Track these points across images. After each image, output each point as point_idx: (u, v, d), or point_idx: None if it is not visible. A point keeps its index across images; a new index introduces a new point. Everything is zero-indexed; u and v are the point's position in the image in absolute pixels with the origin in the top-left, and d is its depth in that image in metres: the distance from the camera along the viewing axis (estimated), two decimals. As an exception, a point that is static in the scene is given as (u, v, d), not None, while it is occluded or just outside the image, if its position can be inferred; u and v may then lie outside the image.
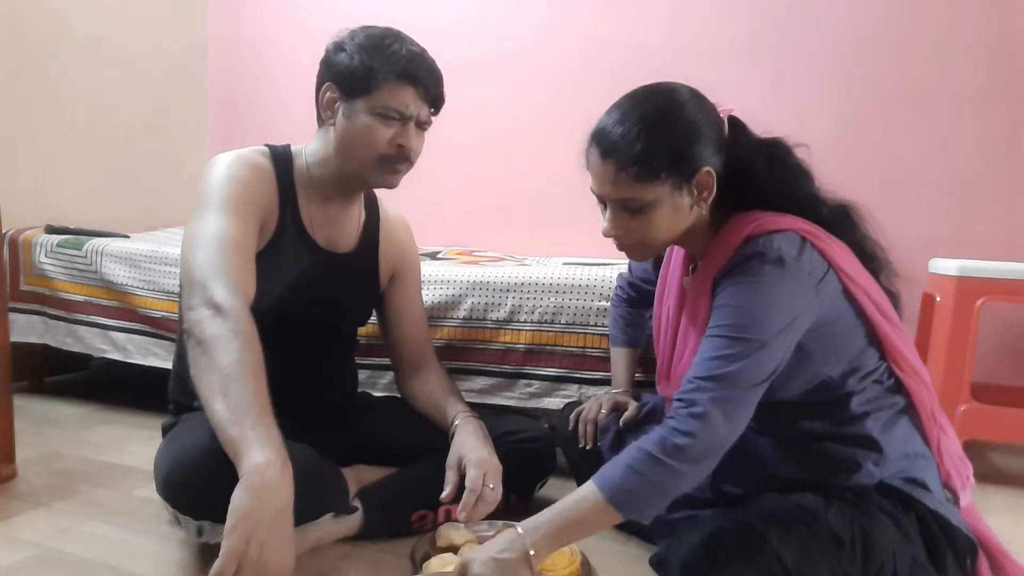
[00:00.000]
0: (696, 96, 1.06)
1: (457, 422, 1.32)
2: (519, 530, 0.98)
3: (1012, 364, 2.16)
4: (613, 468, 0.97)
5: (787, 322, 0.98)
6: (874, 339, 1.08)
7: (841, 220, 1.11)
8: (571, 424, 1.42)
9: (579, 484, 1.46)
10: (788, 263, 0.99)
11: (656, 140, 1.01)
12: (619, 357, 1.51)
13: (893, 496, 1.03)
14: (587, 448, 1.38)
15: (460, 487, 1.20)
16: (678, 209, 1.05)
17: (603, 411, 1.40)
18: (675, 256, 1.25)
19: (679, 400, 0.97)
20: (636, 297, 1.47)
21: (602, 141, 1.05)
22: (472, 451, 1.23)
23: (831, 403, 1.06)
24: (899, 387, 1.09)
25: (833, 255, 1.04)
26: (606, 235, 1.09)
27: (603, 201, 1.09)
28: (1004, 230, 2.15)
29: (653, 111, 1.03)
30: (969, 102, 2.16)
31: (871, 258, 1.12)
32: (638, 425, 1.37)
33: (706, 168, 1.03)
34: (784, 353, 0.99)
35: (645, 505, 0.96)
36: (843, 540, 0.97)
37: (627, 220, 1.06)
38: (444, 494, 1.21)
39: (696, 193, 1.05)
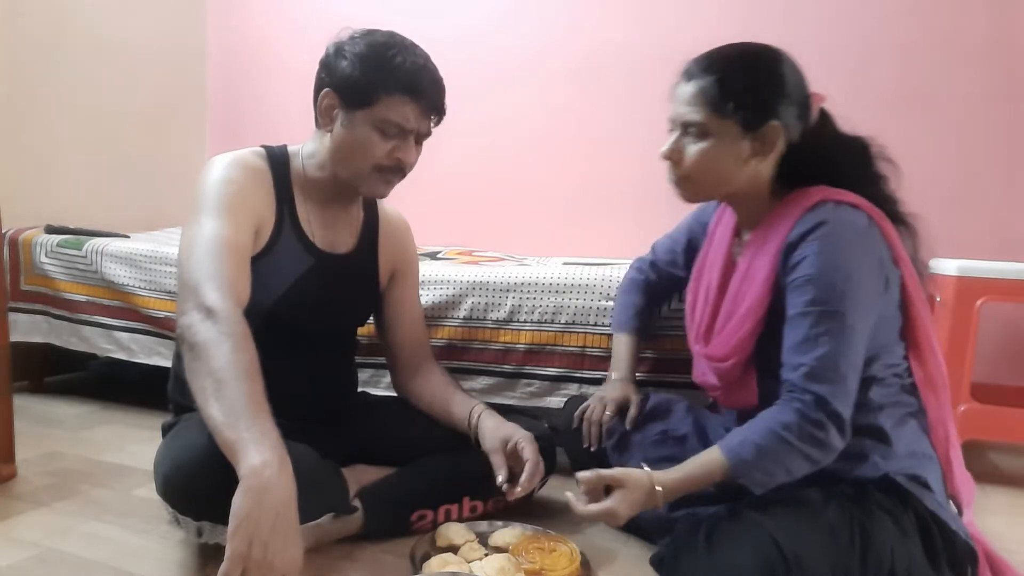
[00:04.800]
0: (795, 66, 1.09)
1: (480, 412, 1.34)
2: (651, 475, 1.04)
3: (1012, 364, 2.16)
4: (743, 446, 1.00)
5: (872, 290, 1.01)
6: (905, 334, 1.09)
7: (906, 228, 1.12)
8: (575, 423, 1.42)
9: None
10: (862, 230, 1.02)
11: (740, 73, 1.05)
12: (624, 342, 1.48)
13: (893, 492, 1.03)
14: (592, 449, 1.38)
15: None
16: (736, 154, 1.07)
17: (607, 413, 1.38)
18: (721, 229, 1.25)
19: (797, 386, 0.99)
20: (655, 280, 1.47)
21: (693, 67, 1.09)
22: (516, 431, 1.27)
23: None
24: (914, 390, 1.10)
25: (894, 242, 1.07)
26: (663, 157, 1.12)
27: (672, 127, 1.11)
28: (1004, 230, 2.15)
29: (749, 52, 1.08)
30: (969, 103, 2.16)
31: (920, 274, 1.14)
32: (643, 423, 1.37)
33: (776, 122, 1.05)
34: (870, 325, 1.02)
35: (767, 482, 1.00)
36: (841, 534, 0.97)
37: (686, 146, 1.08)
38: (500, 478, 1.23)
39: (759, 144, 1.06)
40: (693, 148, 1.07)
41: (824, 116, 1.11)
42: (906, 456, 1.06)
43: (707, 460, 1.03)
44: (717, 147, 1.06)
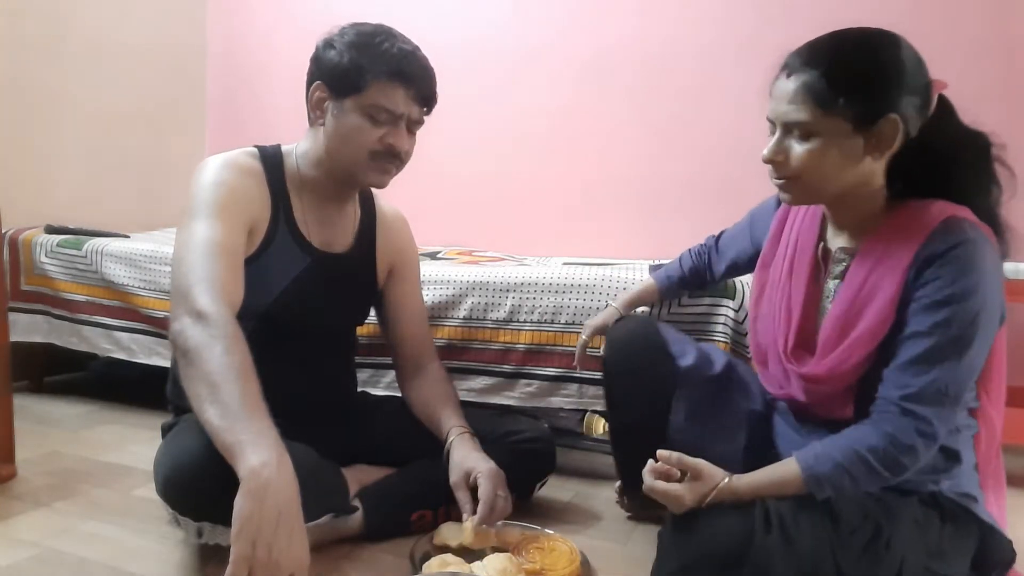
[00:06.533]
0: (913, 49, 0.98)
1: (452, 438, 1.31)
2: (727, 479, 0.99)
3: (1012, 364, 2.15)
4: (819, 461, 0.95)
5: (996, 318, 0.96)
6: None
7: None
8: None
9: (623, 481, 1.39)
10: (995, 257, 0.95)
11: (850, 64, 0.94)
12: (645, 284, 1.51)
13: (934, 506, 0.99)
14: (577, 369, 1.46)
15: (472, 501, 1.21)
16: (847, 153, 0.95)
17: (583, 338, 1.48)
18: (800, 233, 1.13)
19: (895, 405, 0.94)
20: (705, 267, 1.45)
21: (794, 60, 0.97)
22: (478, 463, 1.23)
23: None
24: (974, 412, 1.06)
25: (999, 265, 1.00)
26: (765, 161, 1.01)
27: (773, 126, 1.01)
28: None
29: (859, 39, 0.96)
30: (967, 101, 2.14)
31: None
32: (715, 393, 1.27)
33: (894, 116, 0.93)
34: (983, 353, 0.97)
35: (833, 494, 0.96)
36: (844, 520, 0.95)
37: (791, 146, 0.98)
38: (466, 517, 1.19)
39: (874, 141, 0.95)
40: (799, 149, 0.96)
41: (943, 106, 1.00)
42: (966, 474, 1.03)
43: (780, 470, 0.99)
44: (826, 147, 0.95)
